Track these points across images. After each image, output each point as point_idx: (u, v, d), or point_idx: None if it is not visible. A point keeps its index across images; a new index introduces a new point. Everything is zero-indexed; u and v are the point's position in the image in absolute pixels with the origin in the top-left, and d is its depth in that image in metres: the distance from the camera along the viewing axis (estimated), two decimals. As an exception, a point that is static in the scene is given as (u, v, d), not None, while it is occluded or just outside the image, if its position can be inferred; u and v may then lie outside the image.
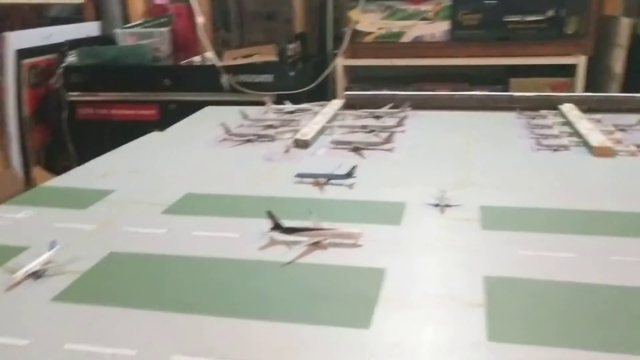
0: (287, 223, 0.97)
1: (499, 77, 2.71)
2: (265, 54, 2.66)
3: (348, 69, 2.87)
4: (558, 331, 0.69)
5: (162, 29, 3.04)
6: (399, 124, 1.75)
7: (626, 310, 0.73)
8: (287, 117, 1.91)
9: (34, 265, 0.86)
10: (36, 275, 0.85)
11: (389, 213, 1.06)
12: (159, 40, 2.97)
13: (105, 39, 3.07)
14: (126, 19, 3.22)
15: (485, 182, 1.22)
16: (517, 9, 2.56)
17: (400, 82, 2.72)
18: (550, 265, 0.85)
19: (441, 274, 0.84)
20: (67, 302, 0.79)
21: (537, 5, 2.55)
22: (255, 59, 2.66)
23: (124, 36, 2.97)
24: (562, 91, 2.51)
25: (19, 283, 0.84)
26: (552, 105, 1.88)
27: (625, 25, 2.56)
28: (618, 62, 2.60)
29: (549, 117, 1.79)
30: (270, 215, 0.96)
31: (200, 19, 2.69)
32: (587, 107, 1.83)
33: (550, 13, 2.53)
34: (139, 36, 2.97)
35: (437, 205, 1.09)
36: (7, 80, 2.69)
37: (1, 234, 1.02)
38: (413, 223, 1.02)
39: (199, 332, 0.71)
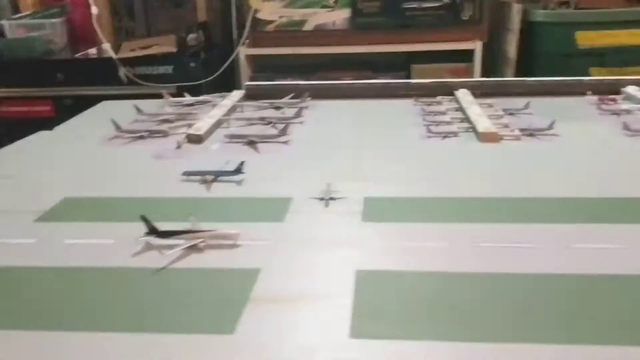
0: (168, 225, 0.94)
1: (401, 64, 2.75)
2: (165, 45, 2.58)
3: (252, 59, 2.83)
4: (425, 323, 0.70)
5: (56, 20, 2.88)
6: (298, 115, 1.74)
7: (496, 298, 0.75)
8: (184, 110, 1.85)
9: None
10: None
11: (274, 210, 1.05)
12: (52, 32, 2.82)
13: (-8, 32, 2.89)
14: (16, 9, 3.03)
15: (373, 174, 1.23)
16: (416, -5, 2.62)
17: (305, 71, 2.72)
18: (424, 256, 0.86)
19: (314, 271, 0.83)
20: None
21: (435, -9, 2.61)
22: (154, 50, 2.58)
23: (13, 28, 2.80)
24: (461, 76, 2.58)
25: None
26: (448, 91, 1.92)
27: (516, 10, 2.66)
28: (511, 47, 2.70)
29: (445, 103, 1.82)
30: (144, 219, 0.92)
31: (94, 9, 2.57)
32: (481, 92, 1.88)
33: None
34: (29, 27, 2.80)
35: (322, 199, 1.09)
36: None
37: None
38: (296, 219, 1.02)
39: (61, 351, 0.68)
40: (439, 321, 0.71)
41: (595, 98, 1.76)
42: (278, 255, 0.88)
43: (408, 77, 2.53)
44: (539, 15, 2.65)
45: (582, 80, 1.90)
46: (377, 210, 1.03)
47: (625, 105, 1.70)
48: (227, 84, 2.66)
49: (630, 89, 1.79)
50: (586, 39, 2.57)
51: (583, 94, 1.80)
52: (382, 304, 0.74)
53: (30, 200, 1.13)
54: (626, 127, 1.46)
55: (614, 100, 1.76)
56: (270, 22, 2.72)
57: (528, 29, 2.69)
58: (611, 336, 0.66)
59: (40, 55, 2.70)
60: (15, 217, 1.06)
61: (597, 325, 0.69)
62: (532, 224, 0.95)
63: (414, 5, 2.60)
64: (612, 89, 1.84)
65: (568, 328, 0.68)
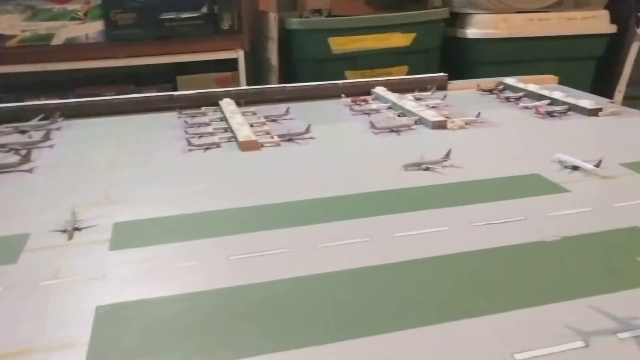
0: None
1: (167, 76, 2.68)
2: None
3: (-6, 78, 2.52)
4: (170, 351, 0.66)
5: None
6: (46, 138, 1.58)
7: (241, 311, 0.74)
8: None
9: None
10: None
11: (4, 251, 0.92)
12: None
13: None
14: None
15: (126, 196, 1.15)
16: (172, 7, 2.55)
17: (60, 88, 2.50)
18: (173, 278, 0.82)
19: (48, 315, 0.74)
20: None
21: (191, 3, 2.57)
22: None
23: None
24: (228, 85, 2.59)
25: None
26: (213, 101, 1.90)
27: (273, 19, 2.75)
28: (273, 54, 2.78)
29: (209, 114, 1.80)
30: None
31: None
32: (245, 100, 1.90)
33: (204, 10, 2.58)
34: None
35: (64, 231, 0.98)
36: None
37: None
38: (32, 258, 0.90)
39: None
40: (190, 344, 0.67)
41: (349, 100, 1.88)
42: (4, 303, 0.77)
43: (175, 89, 2.46)
44: (294, 23, 2.77)
45: (337, 83, 2.02)
46: (126, 236, 0.96)
47: (374, 105, 1.84)
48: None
49: (379, 90, 1.95)
50: (339, 44, 2.75)
51: (339, 96, 1.92)
52: (122, 341, 0.68)
53: None
54: (372, 125, 1.57)
55: (365, 100, 1.89)
56: (11, 36, 2.44)
57: (286, 36, 2.80)
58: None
59: None
60: None
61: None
62: (284, 229, 0.97)
63: (172, 16, 2.54)
64: (363, 90, 1.98)
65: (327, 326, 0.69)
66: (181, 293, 0.78)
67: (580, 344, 0.65)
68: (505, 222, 0.96)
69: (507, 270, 0.82)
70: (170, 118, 1.79)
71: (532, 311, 0.72)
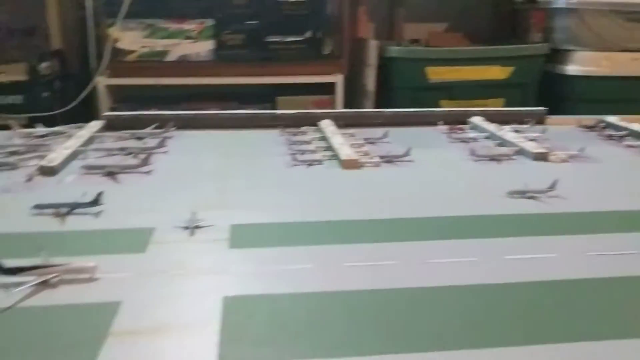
0: (15, 262, 0.86)
1: (267, 96, 2.79)
2: (12, 73, 2.41)
3: (112, 89, 2.72)
4: (294, 344, 0.70)
5: None
6: (161, 145, 1.70)
7: (357, 314, 0.77)
8: (36, 142, 1.73)
9: None
10: None
11: (135, 241, 1.00)
12: None
13: None
14: None
15: (238, 202, 1.23)
16: (278, 30, 2.68)
17: (170, 102, 2.66)
18: (292, 278, 0.87)
19: (179, 300, 0.81)
20: None
21: (296, 27, 2.69)
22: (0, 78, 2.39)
23: None
24: (324, 108, 2.67)
25: None
26: (312, 121, 1.97)
27: (373, 47, 2.82)
28: (370, 80, 2.85)
29: (309, 133, 1.87)
30: (-13, 256, 0.84)
31: None
32: (344, 122, 1.96)
33: (308, 34, 2.69)
34: None
35: (186, 227, 1.06)
36: None
37: None
38: (159, 249, 0.98)
39: None
40: (309, 340, 0.71)
41: (445, 127, 1.90)
42: (140, 286, 0.84)
43: (274, 109, 2.56)
44: (393, 51, 2.84)
45: (434, 111, 2.05)
46: (243, 236, 1.02)
47: (472, 134, 1.85)
48: (85, 114, 2.52)
49: (476, 119, 1.96)
50: (436, 73, 2.79)
51: (434, 124, 1.94)
52: (249, 328, 0.73)
53: None
54: (472, 152, 1.59)
55: (461, 129, 1.91)
56: (131, 51, 2.64)
57: (384, 64, 2.86)
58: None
59: None
60: None
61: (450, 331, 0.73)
62: (393, 243, 1.00)
63: (277, 39, 2.67)
64: (460, 119, 2.00)
65: (421, 336, 0.72)
66: (301, 292, 0.82)
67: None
68: (619, 254, 0.96)
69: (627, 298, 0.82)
70: (271, 135, 1.88)
71: None
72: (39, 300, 0.80)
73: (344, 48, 2.77)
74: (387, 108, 2.10)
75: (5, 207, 1.19)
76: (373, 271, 0.90)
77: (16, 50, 2.94)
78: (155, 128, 1.86)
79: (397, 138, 1.78)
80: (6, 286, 0.83)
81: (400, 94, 2.80)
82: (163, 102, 2.65)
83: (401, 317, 0.77)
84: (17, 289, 0.81)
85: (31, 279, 0.83)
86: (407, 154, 1.58)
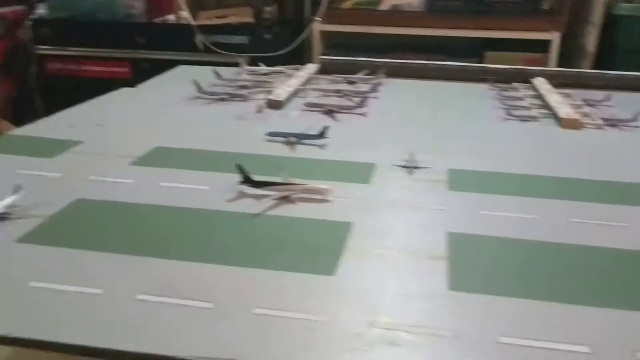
0: (260, 178, 0.97)
1: (475, 50, 2.72)
2: (241, 16, 2.63)
3: (325, 35, 2.84)
4: (516, 283, 0.72)
5: (136, -15, 2.96)
6: (373, 90, 1.76)
7: (580, 266, 0.76)
8: (260, 78, 1.89)
9: (-3, 208, 0.85)
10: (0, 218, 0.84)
11: (359, 173, 1.07)
12: (132, -4, 2.90)
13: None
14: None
15: (454, 148, 1.24)
16: (496, -17, 2.57)
17: (377, 50, 2.71)
18: (513, 225, 0.87)
19: (406, 230, 0.85)
20: (32, 243, 0.79)
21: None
22: (231, 19, 2.62)
23: (95, -9, 2.89)
24: (536, 66, 2.53)
25: (-19, 225, 0.83)
26: (524, 78, 1.90)
27: (600, 3, 2.58)
28: (591, 40, 2.63)
29: (521, 90, 1.81)
30: (240, 168, 0.96)
31: (175, -23, 2.63)
32: (559, 82, 1.85)
33: (528, -13, 2.55)
34: (111, -9, 2.89)
35: (405, 166, 1.10)
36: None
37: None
38: (381, 182, 1.03)
39: (163, 274, 0.72)
40: (530, 282, 0.72)
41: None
42: (369, 212, 0.91)
43: (481, 64, 2.49)
44: (624, 8, 2.57)
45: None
46: (462, 181, 1.04)
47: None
48: (298, 58, 2.68)
49: None
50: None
51: (666, 90, 1.76)
52: (476, 264, 0.76)
53: (124, 146, 1.18)
54: None
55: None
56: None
57: (610, 22, 2.61)
58: None
59: (121, 19, 2.79)
60: (113, 160, 1.11)
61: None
62: (625, 206, 0.95)
63: (495, -8, 2.57)
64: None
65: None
66: (523, 239, 0.82)
67: None
68: None
69: None
70: (480, 89, 1.84)
71: None
72: (283, 212, 0.90)
73: (565, 3, 2.58)
74: (607, 70, 1.93)
75: (243, 132, 1.33)
76: (599, 230, 0.87)
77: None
78: (366, 74, 1.92)
79: (621, 102, 1.65)
80: (255, 197, 0.94)
81: (627, 57, 2.55)
82: (370, 51, 2.71)
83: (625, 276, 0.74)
84: (264, 200, 0.92)
85: (274, 194, 0.94)
86: (635, 118, 1.45)
